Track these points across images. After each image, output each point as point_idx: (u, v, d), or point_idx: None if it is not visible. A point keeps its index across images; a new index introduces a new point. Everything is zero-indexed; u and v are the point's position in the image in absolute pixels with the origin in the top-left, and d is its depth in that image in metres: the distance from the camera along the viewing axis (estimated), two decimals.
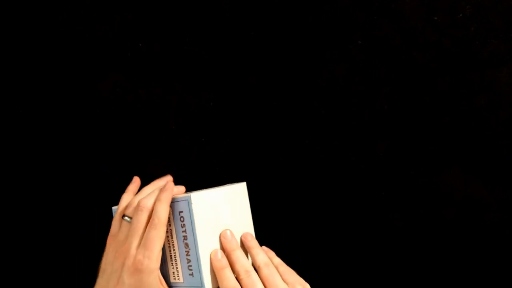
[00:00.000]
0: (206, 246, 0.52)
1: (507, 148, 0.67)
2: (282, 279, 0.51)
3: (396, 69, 0.69)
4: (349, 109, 0.71)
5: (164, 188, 0.52)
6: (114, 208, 0.57)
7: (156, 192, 0.53)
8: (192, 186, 0.60)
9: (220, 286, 0.51)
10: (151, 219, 0.51)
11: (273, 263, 0.53)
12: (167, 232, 0.53)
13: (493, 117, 0.67)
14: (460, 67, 0.67)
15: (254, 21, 0.73)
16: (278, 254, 0.57)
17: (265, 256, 0.53)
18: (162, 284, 0.51)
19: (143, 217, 0.52)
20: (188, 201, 0.51)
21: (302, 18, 0.71)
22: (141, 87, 0.77)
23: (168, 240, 0.53)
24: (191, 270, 0.52)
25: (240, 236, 0.56)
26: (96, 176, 0.78)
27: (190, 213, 0.51)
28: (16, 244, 0.81)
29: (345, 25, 0.70)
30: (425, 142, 0.69)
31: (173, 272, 0.53)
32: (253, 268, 0.52)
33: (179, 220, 0.52)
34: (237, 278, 0.51)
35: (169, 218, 0.53)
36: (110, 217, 0.57)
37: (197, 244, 0.51)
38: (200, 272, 0.51)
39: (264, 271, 0.51)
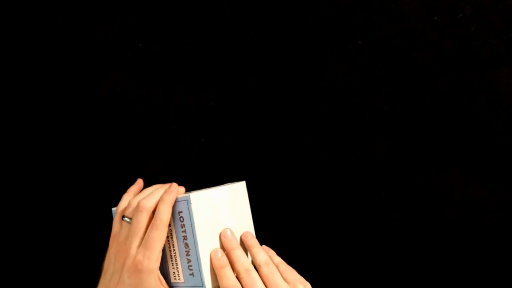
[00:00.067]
0: (206, 246, 0.52)
1: (507, 148, 0.67)
2: (283, 277, 0.51)
3: (396, 69, 0.69)
4: (349, 109, 0.71)
5: (169, 189, 0.52)
6: (113, 209, 0.57)
7: (156, 193, 0.53)
8: (192, 186, 0.60)
9: (220, 285, 0.51)
10: (153, 220, 0.51)
11: (273, 262, 0.53)
12: (167, 232, 0.53)
13: (493, 117, 0.67)
14: (460, 67, 0.67)
15: (254, 21, 0.73)
16: (278, 254, 0.57)
17: (266, 255, 0.53)
18: (162, 284, 0.51)
19: (143, 218, 0.52)
20: (188, 201, 0.51)
21: (302, 18, 0.71)
22: (141, 87, 0.77)
23: (168, 240, 0.53)
24: (191, 270, 0.52)
25: (240, 235, 0.56)
26: (96, 176, 0.78)
27: (189, 213, 0.51)
28: (16, 244, 0.81)
29: (345, 25, 0.70)
30: (425, 142, 0.69)
31: (174, 272, 0.53)
32: (253, 267, 0.52)
33: (178, 220, 0.52)
34: (237, 277, 0.51)
35: None
36: (110, 217, 0.57)
37: (197, 244, 0.51)
38: (200, 271, 0.51)
39: (265, 269, 0.51)
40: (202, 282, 0.51)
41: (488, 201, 0.68)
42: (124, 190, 0.59)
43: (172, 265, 0.53)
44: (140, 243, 0.51)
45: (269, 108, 0.73)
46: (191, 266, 0.52)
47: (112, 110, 0.77)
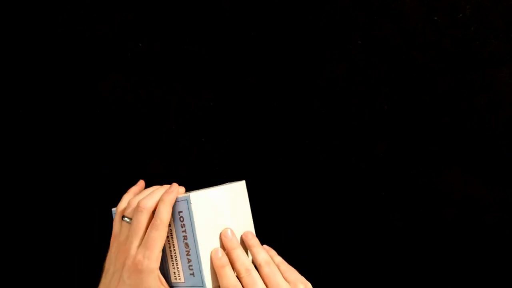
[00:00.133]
0: (206, 246, 0.52)
1: (507, 148, 0.67)
2: (283, 277, 0.51)
3: (396, 69, 0.69)
4: (349, 109, 0.71)
5: (169, 189, 0.52)
6: (113, 210, 0.57)
7: (156, 193, 0.53)
8: (192, 186, 0.60)
9: (220, 285, 0.51)
10: (153, 220, 0.51)
11: (274, 261, 0.53)
12: (167, 232, 0.53)
13: (493, 117, 0.67)
14: (460, 67, 0.67)
15: (254, 21, 0.73)
16: (278, 254, 0.57)
17: (266, 254, 0.53)
18: (162, 284, 0.51)
19: (143, 218, 0.52)
20: (187, 201, 0.51)
21: (302, 18, 0.71)
22: (141, 87, 0.77)
23: (169, 240, 0.53)
24: (191, 269, 0.52)
25: (240, 234, 0.56)
26: (96, 176, 0.78)
27: (189, 213, 0.51)
28: (16, 244, 0.81)
29: (345, 25, 0.70)
30: (425, 142, 0.69)
31: (174, 272, 0.53)
32: (253, 266, 0.52)
33: (178, 220, 0.52)
34: (238, 277, 0.51)
35: None
36: (110, 217, 0.57)
37: (197, 243, 0.51)
38: (200, 271, 0.51)
39: (265, 269, 0.51)
40: (202, 282, 0.51)
41: (488, 201, 0.68)
42: (124, 190, 0.59)
43: (173, 265, 0.53)
44: (140, 243, 0.51)
45: (269, 108, 0.73)
46: (191, 266, 0.52)
47: (112, 110, 0.77)
